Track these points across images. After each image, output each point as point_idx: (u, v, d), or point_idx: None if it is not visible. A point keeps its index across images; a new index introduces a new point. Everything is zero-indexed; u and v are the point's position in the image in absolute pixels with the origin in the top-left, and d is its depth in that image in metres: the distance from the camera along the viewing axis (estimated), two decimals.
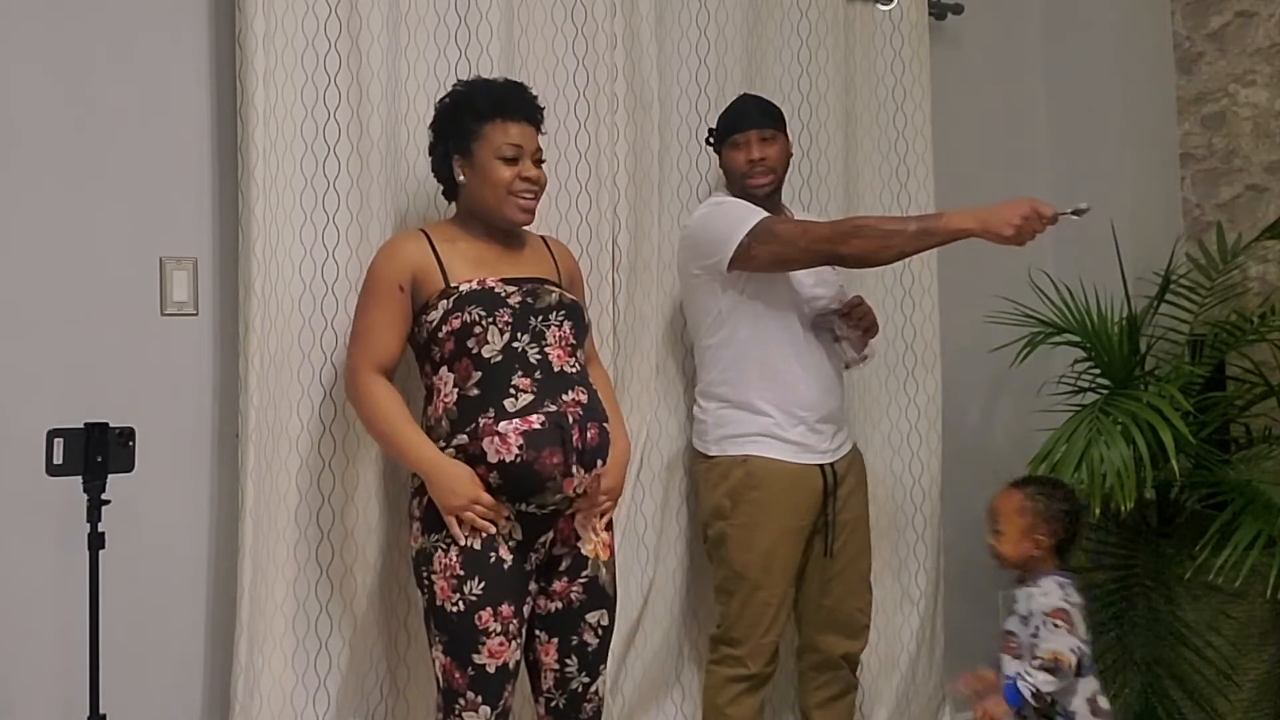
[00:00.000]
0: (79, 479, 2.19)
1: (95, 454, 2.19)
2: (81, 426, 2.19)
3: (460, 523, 2.23)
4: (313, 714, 2.53)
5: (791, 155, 2.92)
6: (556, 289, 2.40)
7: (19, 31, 2.43)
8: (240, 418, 2.48)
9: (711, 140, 2.92)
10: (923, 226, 2.58)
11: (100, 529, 2.21)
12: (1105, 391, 3.30)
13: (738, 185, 2.85)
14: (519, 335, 2.29)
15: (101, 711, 2.21)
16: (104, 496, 2.20)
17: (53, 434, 2.17)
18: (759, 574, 2.73)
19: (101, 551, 2.22)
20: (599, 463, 2.32)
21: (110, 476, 2.21)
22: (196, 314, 2.57)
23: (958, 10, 3.60)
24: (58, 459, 2.17)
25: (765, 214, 2.72)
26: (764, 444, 2.76)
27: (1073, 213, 2.52)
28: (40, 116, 2.45)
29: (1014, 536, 2.59)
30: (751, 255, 2.67)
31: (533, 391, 2.26)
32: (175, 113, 2.57)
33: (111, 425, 2.21)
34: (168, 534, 2.53)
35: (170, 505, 2.53)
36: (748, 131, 2.81)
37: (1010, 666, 2.52)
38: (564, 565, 2.35)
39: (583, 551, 2.36)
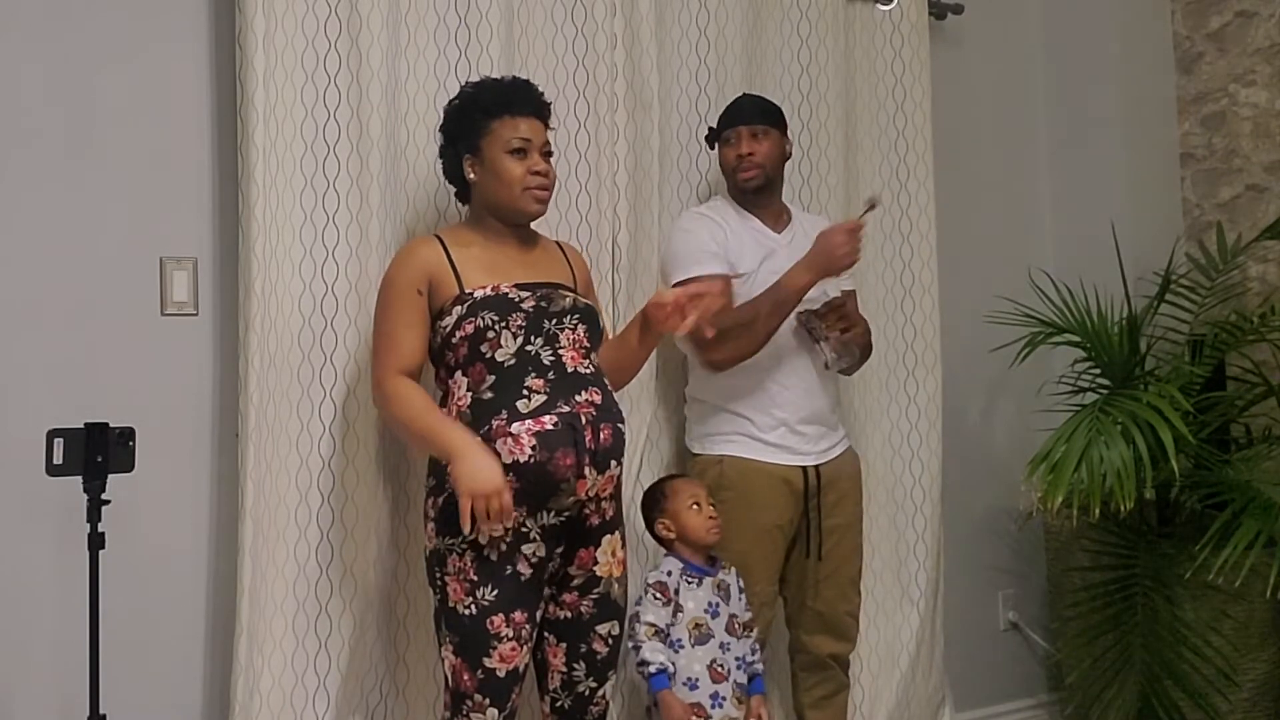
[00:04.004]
0: (79, 479, 2.19)
1: (95, 454, 2.18)
2: (81, 426, 2.19)
3: (473, 516, 2.14)
4: (313, 714, 2.53)
5: (789, 155, 2.92)
6: (571, 294, 2.40)
7: (19, 32, 2.43)
8: (240, 418, 2.48)
9: (709, 139, 2.93)
10: (773, 300, 2.68)
11: (100, 529, 2.20)
12: (1105, 391, 3.31)
13: (730, 181, 2.88)
14: (532, 339, 2.29)
15: (101, 711, 2.21)
16: (104, 496, 2.20)
17: (53, 434, 2.17)
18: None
19: (101, 551, 2.21)
20: (612, 464, 2.31)
21: (110, 476, 2.20)
22: (196, 314, 2.57)
23: (958, 10, 3.60)
24: (58, 459, 2.17)
25: (706, 271, 2.68)
26: (740, 444, 2.78)
27: (869, 209, 2.69)
28: (41, 116, 2.45)
29: None
30: None
31: (545, 392, 2.26)
32: (175, 113, 2.56)
33: (111, 425, 2.21)
34: (168, 534, 2.53)
35: (170, 505, 2.53)
36: (738, 127, 2.84)
37: (739, 649, 2.63)
38: (577, 581, 2.35)
39: (597, 573, 2.36)
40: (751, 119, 2.84)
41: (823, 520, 2.82)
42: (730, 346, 2.68)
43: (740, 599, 2.68)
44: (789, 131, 2.92)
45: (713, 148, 2.93)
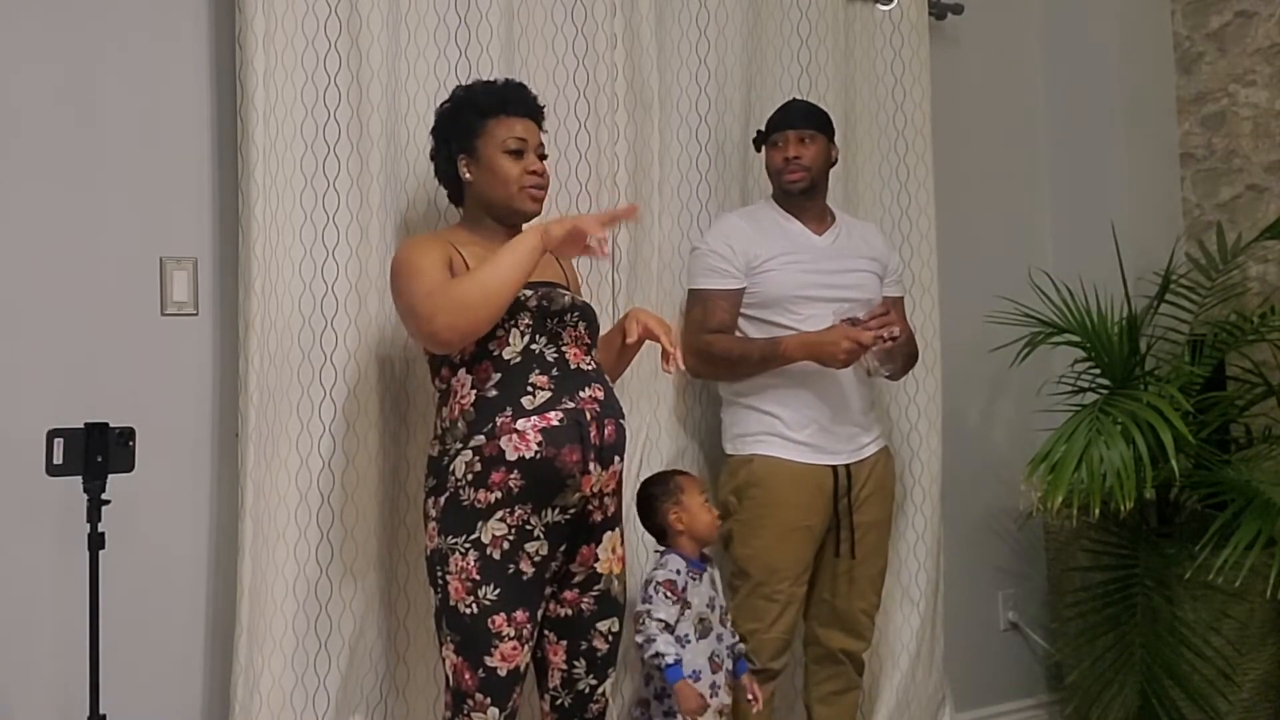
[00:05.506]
0: (79, 479, 2.19)
1: (95, 454, 2.19)
2: (81, 426, 2.19)
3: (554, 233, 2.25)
4: (312, 714, 2.53)
5: (834, 161, 2.95)
6: (567, 291, 2.41)
7: (19, 31, 2.43)
8: (240, 418, 2.48)
9: (756, 142, 2.98)
10: (766, 354, 2.77)
11: (100, 529, 2.20)
12: (1105, 391, 3.31)
13: (775, 184, 2.93)
14: (537, 337, 2.30)
15: (101, 711, 2.21)
16: (104, 496, 2.20)
17: (53, 434, 2.17)
18: (760, 570, 2.77)
19: (101, 551, 2.21)
20: (616, 459, 2.32)
21: (110, 476, 2.20)
22: (196, 314, 2.57)
23: (958, 10, 3.60)
24: (58, 459, 2.17)
25: (713, 288, 2.82)
26: (770, 443, 2.80)
27: (876, 370, 2.83)
28: (40, 116, 2.45)
29: None
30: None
31: (550, 389, 2.26)
32: (175, 113, 2.56)
33: (111, 425, 2.21)
34: (168, 534, 2.53)
35: (170, 505, 2.53)
36: (786, 131, 2.88)
37: (728, 638, 2.70)
38: (578, 578, 2.35)
39: (598, 570, 2.36)
40: (799, 123, 2.87)
41: (852, 517, 2.84)
42: (711, 370, 2.86)
43: (722, 589, 2.76)
44: (835, 138, 2.95)
45: (759, 150, 2.97)
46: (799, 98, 3.06)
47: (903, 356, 2.92)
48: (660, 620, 2.56)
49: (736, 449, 2.86)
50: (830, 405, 2.81)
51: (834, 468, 2.81)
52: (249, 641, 2.45)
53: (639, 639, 2.58)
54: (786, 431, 2.79)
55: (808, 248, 2.86)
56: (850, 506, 2.83)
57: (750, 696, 2.68)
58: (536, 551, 2.25)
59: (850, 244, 2.92)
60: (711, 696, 2.60)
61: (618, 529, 2.41)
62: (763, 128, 2.96)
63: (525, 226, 2.41)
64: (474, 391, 2.28)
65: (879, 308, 2.79)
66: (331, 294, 2.57)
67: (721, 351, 2.79)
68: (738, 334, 2.84)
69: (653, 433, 2.94)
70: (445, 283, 2.24)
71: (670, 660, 2.54)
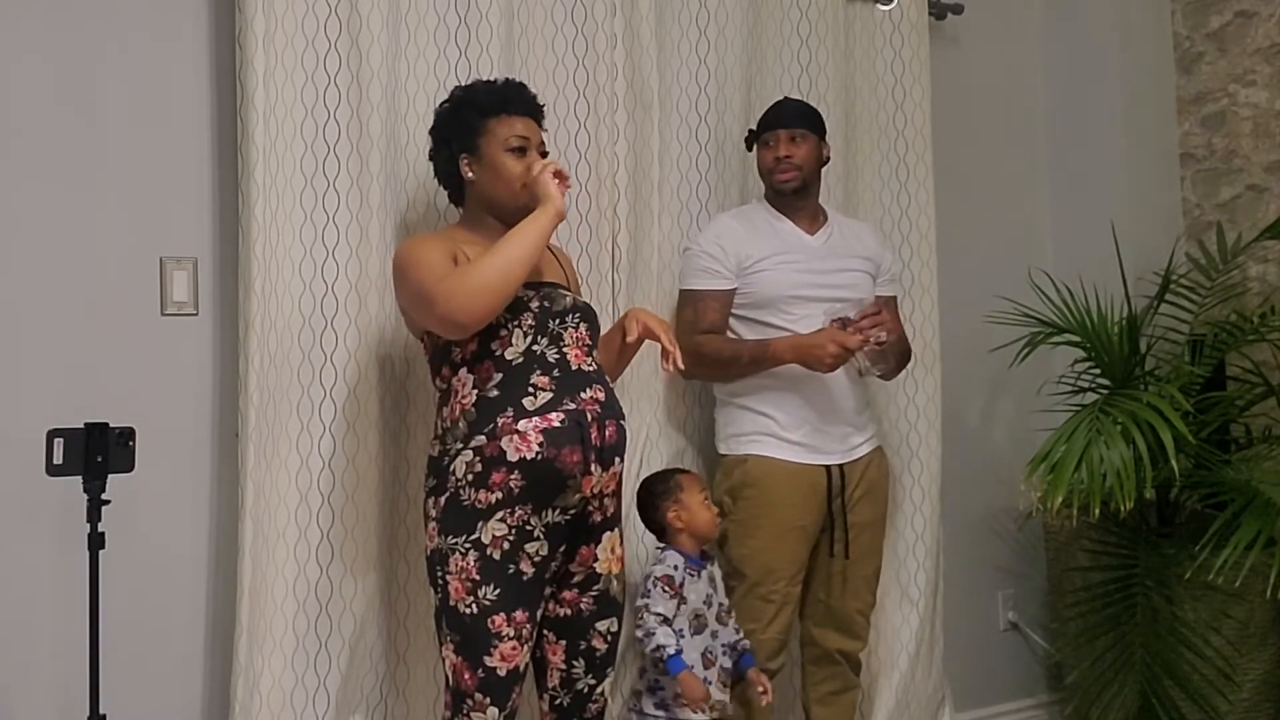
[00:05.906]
0: (79, 479, 2.19)
1: (95, 454, 2.19)
2: (81, 426, 2.19)
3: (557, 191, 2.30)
4: (313, 714, 2.53)
5: (826, 160, 2.95)
6: (568, 292, 2.42)
7: (18, 31, 2.43)
8: (240, 418, 2.48)
9: (747, 142, 2.97)
10: (756, 356, 2.76)
11: (100, 529, 2.21)
12: (1105, 391, 3.31)
13: (766, 183, 2.92)
14: (539, 338, 2.30)
15: (101, 711, 2.21)
16: (104, 496, 2.20)
17: (53, 434, 2.17)
18: (755, 570, 2.78)
19: (101, 551, 2.21)
20: (616, 460, 2.33)
21: (110, 476, 2.21)
22: (196, 314, 2.57)
23: (958, 10, 3.60)
24: (58, 459, 2.17)
25: (704, 289, 2.82)
26: (764, 444, 2.80)
27: (868, 370, 2.79)
28: (40, 116, 2.45)
29: None
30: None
31: (551, 390, 2.26)
32: (175, 113, 2.57)
33: (111, 425, 2.21)
34: (168, 534, 2.53)
35: (170, 505, 2.53)
36: (777, 130, 2.87)
37: (726, 635, 2.71)
38: (577, 578, 2.36)
39: (597, 570, 2.36)
40: (790, 122, 2.87)
41: (846, 517, 2.84)
42: (702, 371, 2.84)
43: (722, 587, 2.76)
44: (826, 136, 2.95)
45: (750, 149, 2.96)
46: (791, 96, 3.06)
47: (895, 356, 2.92)
48: (658, 614, 2.59)
49: (731, 449, 2.86)
50: (823, 405, 2.81)
51: (827, 468, 2.81)
52: (249, 641, 2.45)
53: (639, 633, 2.61)
54: (780, 431, 2.79)
55: (800, 247, 2.86)
56: (844, 506, 2.84)
57: (761, 689, 2.69)
58: (536, 552, 2.25)
59: (843, 243, 2.92)
60: None
61: (617, 529, 2.41)
62: (754, 126, 2.95)
63: None
64: (475, 391, 2.28)
65: (870, 307, 2.79)
66: (331, 294, 2.57)
67: (712, 352, 2.79)
68: (730, 335, 2.84)
69: (652, 433, 2.94)
70: (456, 269, 2.25)
71: (672, 651, 2.56)
